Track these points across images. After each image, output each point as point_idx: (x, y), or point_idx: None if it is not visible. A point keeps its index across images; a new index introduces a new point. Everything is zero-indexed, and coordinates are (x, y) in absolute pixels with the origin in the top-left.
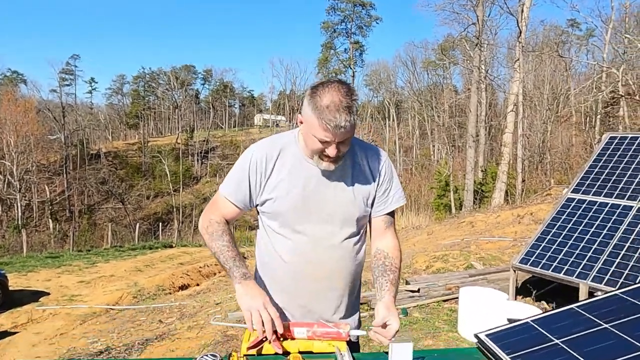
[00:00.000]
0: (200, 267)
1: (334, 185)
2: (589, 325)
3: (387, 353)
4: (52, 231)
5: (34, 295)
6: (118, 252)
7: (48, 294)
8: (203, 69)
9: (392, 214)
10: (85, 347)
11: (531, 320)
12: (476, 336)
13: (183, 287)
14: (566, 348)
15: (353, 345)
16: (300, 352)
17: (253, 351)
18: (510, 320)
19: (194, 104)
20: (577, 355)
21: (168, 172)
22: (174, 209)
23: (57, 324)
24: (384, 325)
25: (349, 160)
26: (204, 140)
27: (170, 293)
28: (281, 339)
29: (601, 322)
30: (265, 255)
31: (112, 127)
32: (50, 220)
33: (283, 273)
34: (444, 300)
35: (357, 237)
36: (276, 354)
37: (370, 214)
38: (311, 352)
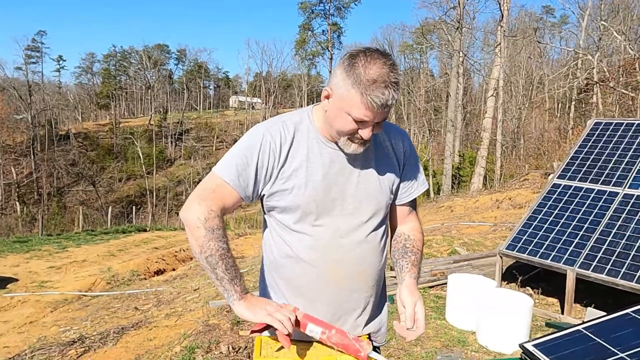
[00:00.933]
0: (175, 252)
1: (358, 172)
2: None
3: None
4: (20, 214)
5: (1, 282)
6: (90, 236)
7: (16, 280)
8: (177, 48)
9: (415, 200)
10: (57, 336)
11: (583, 329)
12: (522, 346)
13: (158, 272)
14: None
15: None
16: None
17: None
18: (549, 325)
19: (167, 84)
20: None
21: (141, 154)
22: (148, 192)
23: (26, 311)
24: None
25: (372, 141)
26: (178, 122)
27: (145, 278)
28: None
29: None
30: (277, 256)
31: (81, 108)
32: (17, 203)
33: (300, 274)
34: (430, 287)
35: (383, 229)
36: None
37: (394, 201)
38: None
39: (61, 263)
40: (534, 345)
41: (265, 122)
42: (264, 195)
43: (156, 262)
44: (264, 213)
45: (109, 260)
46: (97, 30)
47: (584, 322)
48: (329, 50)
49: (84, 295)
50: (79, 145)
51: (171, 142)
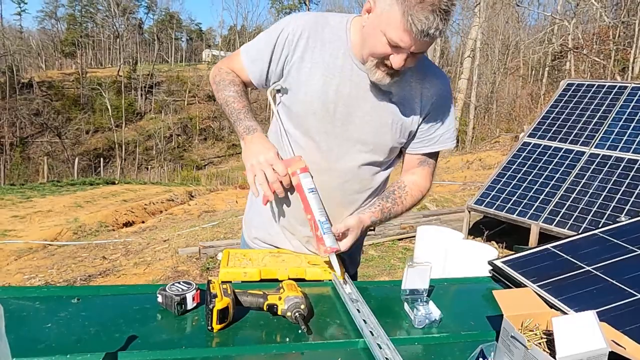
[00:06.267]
0: (145, 205)
1: (372, 103)
2: (622, 252)
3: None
4: None
5: None
6: (55, 187)
7: None
8: None
9: (434, 155)
10: (22, 284)
11: (551, 247)
12: (490, 263)
13: (127, 224)
14: (602, 275)
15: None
16: (290, 279)
17: (237, 271)
18: (518, 249)
19: (137, 34)
20: (617, 283)
21: (109, 107)
22: (116, 146)
23: None
24: (342, 236)
25: (400, 77)
26: (148, 74)
27: (113, 230)
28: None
29: (634, 248)
30: None
31: (45, 55)
32: None
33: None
34: (399, 239)
35: (381, 173)
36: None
37: (406, 147)
38: (303, 280)
39: (25, 213)
40: (503, 262)
41: (301, 13)
42: (278, 90)
43: (125, 214)
44: (275, 109)
45: (75, 211)
46: None
47: (554, 241)
48: (306, 5)
49: (50, 245)
50: (42, 94)
51: (141, 95)
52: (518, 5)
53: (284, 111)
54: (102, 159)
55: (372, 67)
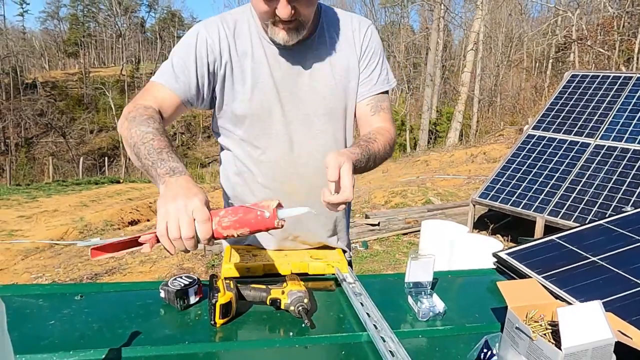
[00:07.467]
0: (150, 203)
1: (308, 71)
2: (628, 241)
3: (394, 275)
4: None
5: None
6: (61, 186)
7: None
8: None
9: (382, 99)
10: (29, 282)
11: (556, 238)
12: (495, 255)
13: (132, 223)
14: (607, 265)
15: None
16: (293, 274)
17: (240, 267)
18: (522, 241)
19: (140, 33)
20: (623, 273)
21: (113, 106)
22: (121, 145)
23: None
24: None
25: (321, 38)
26: (152, 73)
27: (119, 228)
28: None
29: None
30: (230, 174)
31: (48, 55)
32: None
33: (257, 193)
34: (404, 234)
35: (344, 138)
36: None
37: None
38: (306, 274)
39: (31, 212)
40: (508, 254)
41: (201, 22)
42: (214, 105)
43: (130, 212)
44: (216, 135)
45: (81, 211)
46: None
47: (559, 232)
48: None
49: (56, 244)
50: (46, 94)
51: None
52: None
53: (231, 121)
54: (106, 158)
55: (272, 31)
